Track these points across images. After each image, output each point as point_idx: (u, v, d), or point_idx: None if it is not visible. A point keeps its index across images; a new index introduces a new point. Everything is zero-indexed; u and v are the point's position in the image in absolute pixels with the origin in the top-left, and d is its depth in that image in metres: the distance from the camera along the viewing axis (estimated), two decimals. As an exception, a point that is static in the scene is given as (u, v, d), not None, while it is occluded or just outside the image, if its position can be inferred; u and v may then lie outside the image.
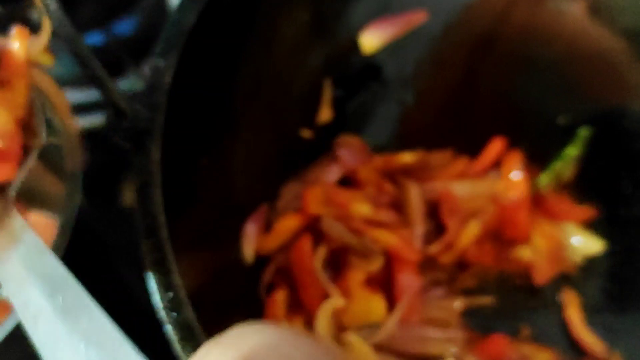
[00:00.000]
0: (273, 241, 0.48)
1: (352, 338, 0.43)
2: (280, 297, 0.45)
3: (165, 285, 0.35)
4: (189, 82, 0.43)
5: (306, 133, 0.56)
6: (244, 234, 0.47)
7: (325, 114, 0.58)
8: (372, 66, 0.59)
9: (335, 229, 0.48)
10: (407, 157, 0.53)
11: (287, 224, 0.49)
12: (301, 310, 0.45)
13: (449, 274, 0.50)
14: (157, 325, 0.35)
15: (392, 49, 0.58)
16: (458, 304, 0.48)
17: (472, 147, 0.55)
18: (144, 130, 0.40)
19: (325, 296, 0.45)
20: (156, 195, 0.38)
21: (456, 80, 0.58)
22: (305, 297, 0.45)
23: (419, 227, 0.49)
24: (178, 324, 0.34)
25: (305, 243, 0.47)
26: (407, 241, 0.48)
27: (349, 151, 0.55)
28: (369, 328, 0.44)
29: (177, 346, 0.34)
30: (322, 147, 0.56)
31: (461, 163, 0.53)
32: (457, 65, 0.58)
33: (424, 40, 0.58)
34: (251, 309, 0.46)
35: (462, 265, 0.51)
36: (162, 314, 0.35)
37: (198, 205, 0.44)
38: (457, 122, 0.57)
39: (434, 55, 0.58)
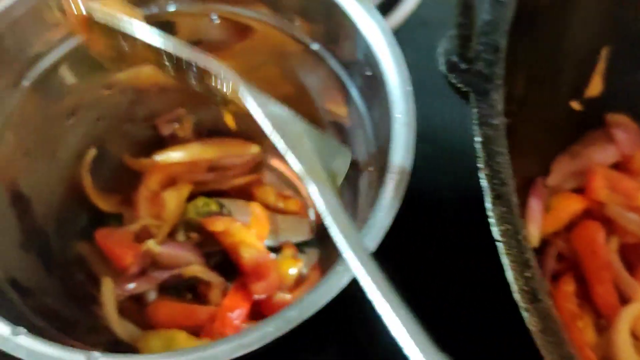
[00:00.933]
0: (553, 222, 0.42)
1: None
2: (569, 289, 0.39)
3: (522, 263, 0.30)
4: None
5: (575, 105, 0.49)
6: (528, 210, 0.41)
7: (595, 87, 0.50)
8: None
9: (626, 219, 0.41)
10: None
11: (568, 205, 0.42)
12: (590, 306, 0.39)
13: None
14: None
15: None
16: None
17: None
18: (486, 76, 0.34)
19: (620, 295, 0.39)
20: (502, 154, 0.32)
21: None
22: (599, 293, 0.39)
23: None
24: (537, 312, 0.29)
25: (597, 231, 0.40)
26: None
27: (626, 134, 0.47)
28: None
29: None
30: (590, 121, 0.49)
31: None
32: None
33: None
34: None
35: None
36: (515, 296, 0.29)
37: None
38: None
39: None
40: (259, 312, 0.45)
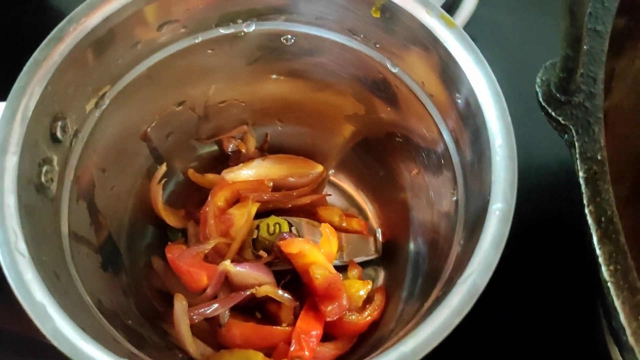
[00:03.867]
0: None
1: None
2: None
3: (633, 307, 0.29)
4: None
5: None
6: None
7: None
8: None
9: None
10: None
11: None
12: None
13: None
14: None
15: None
16: None
17: None
18: (587, 109, 0.34)
19: None
20: (607, 190, 0.32)
21: None
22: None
23: None
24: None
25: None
26: None
27: None
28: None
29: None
30: None
31: None
32: None
33: None
34: None
35: None
36: (630, 340, 0.29)
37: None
38: None
39: None
40: (326, 333, 0.45)
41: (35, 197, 0.34)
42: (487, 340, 0.48)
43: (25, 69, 0.34)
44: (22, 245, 0.31)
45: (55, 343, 0.29)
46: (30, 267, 0.30)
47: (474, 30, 0.49)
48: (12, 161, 0.32)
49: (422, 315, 0.32)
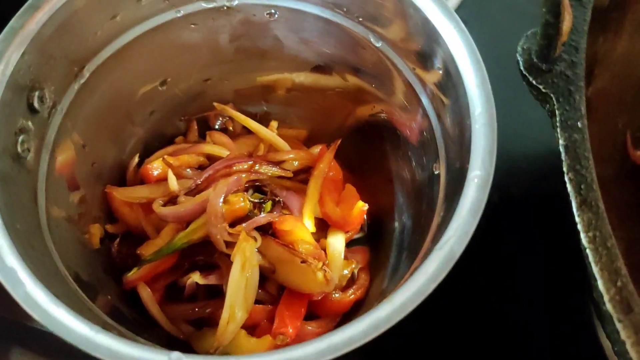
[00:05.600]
0: None
1: None
2: None
3: (612, 272, 0.29)
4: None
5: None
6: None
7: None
8: None
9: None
10: None
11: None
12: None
13: None
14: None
15: None
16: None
17: None
18: (568, 77, 0.33)
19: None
20: (587, 158, 0.32)
21: None
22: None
23: None
24: (631, 324, 0.28)
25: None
26: None
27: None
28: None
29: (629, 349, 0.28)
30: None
31: None
32: None
33: None
34: None
35: None
36: (608, 307, 0.29)
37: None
38: None
39: None
40: (310, 312, 0.44)
41: (10, 166, 0.34)
42: (475, 313, 0.48)
43: (1, 36, 0.34)
44: (-6, 212, 0.30)
45: (26, 308, 0.28)
46: (3, 233, 0.30)
47: None
48: (-14, 127, 0.32)
49: (402, 283, 0.31)
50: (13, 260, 0.29)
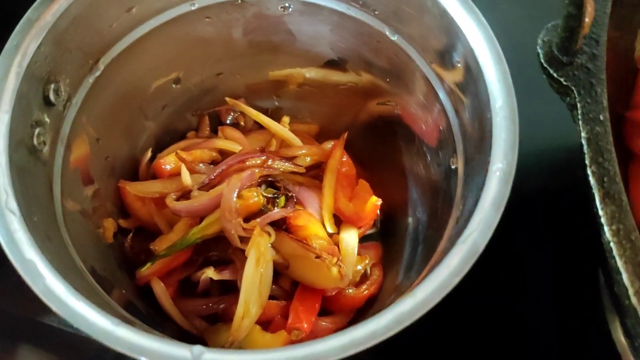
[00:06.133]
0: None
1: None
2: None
3: (636, 265, 0.29)
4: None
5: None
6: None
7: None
8: None
9: None
10: None
11: None
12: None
13: None
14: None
15: None
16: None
17: None
18: (590, 70, 0.33)
19: None
20: (610, 151, 0.31)
21: None
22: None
23: None
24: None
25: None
26: None
27: None
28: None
29: None
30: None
31: None
32: None
33: None
34: None
35: None
36: (633, 300, 0.28)
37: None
38: None
39: None
40: (324, 308, 0.44)
41: (27, 159, 0.33)
42: (485, 309, 0.47)
43: (18, 27, 0.34)
44: (12, 204, 0.30)
45: (46, 300, 0.28)
46: (21, 225, 0.30)
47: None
48: (3, 119, 0.32)
49: (422, 277, 0.31)
50: (32, 253, 0.29)
